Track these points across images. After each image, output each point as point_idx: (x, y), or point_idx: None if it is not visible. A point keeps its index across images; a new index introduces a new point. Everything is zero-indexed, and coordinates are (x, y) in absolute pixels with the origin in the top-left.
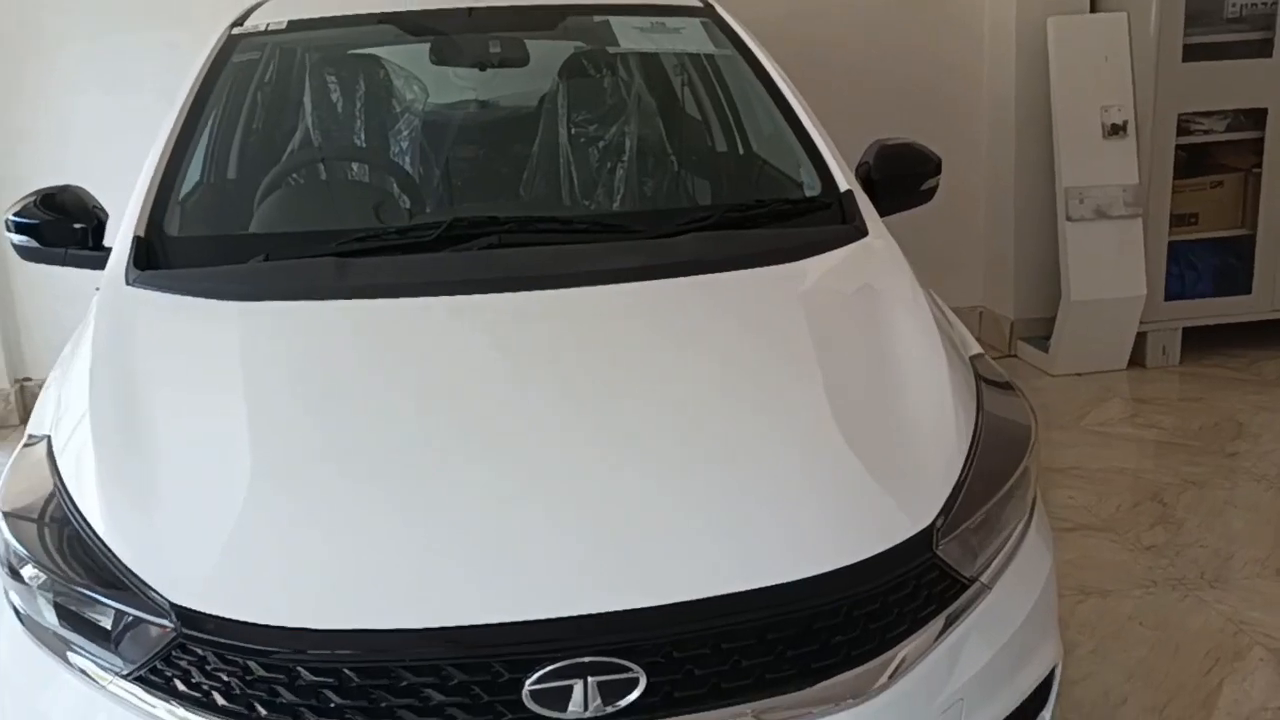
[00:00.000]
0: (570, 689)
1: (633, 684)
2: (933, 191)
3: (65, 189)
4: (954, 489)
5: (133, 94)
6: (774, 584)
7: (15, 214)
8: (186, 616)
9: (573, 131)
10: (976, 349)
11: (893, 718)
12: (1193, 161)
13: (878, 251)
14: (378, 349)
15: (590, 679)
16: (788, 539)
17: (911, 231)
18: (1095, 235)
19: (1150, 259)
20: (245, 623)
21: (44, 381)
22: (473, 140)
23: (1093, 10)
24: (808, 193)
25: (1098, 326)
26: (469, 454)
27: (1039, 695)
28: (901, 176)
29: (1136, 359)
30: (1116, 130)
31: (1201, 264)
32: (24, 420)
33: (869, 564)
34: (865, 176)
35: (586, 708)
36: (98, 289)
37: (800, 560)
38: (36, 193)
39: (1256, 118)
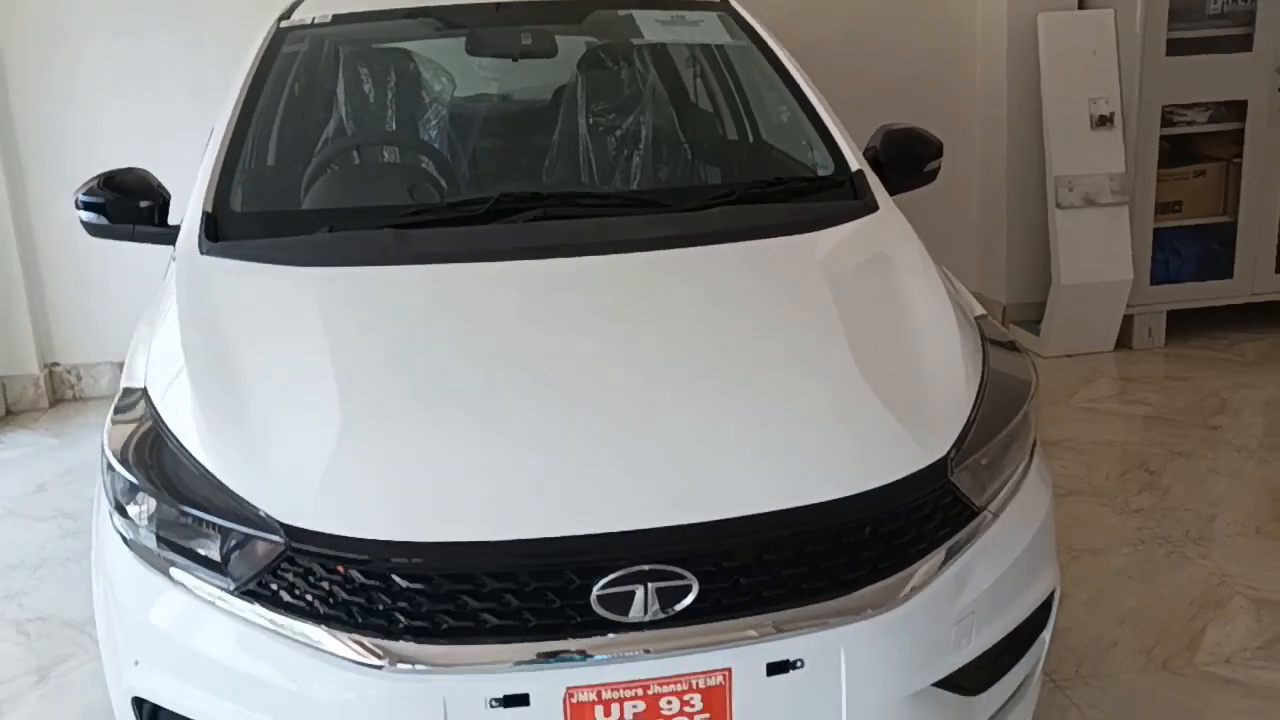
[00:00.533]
0: (632, 595)
1: (686, 590)
2: (935, 173)
3: (130, 170)
4: (964, 426)
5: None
6: (810, 503)
7: (84, 194)
8: (295, 533)
9: (592, 120)
10: (981, 311)
11: (913, 626)
12: (1177, 151)
13: (889, 224)
14: (443, 304)
15: (650, 585)
16: (821, 464)
17: (909, 218)
18: (1084, 222)
19: (1136, 245)
20: (346, 537)
21: (70, 366)
22: (502, 129)
23: (1081, 7)
24: (821, 172)
25: (1086, 309)
26: (537, 390)
27: (1040, 615)
28: (906, 158)
29: (1124, 341)
30: (1104, 121)
31: (1185, 250)
32: (54, 403)
33: (892, 487)
34: (873, 159)
35: (646, 612)
36: (173, 259)
37: (833, 483)
38: (102, 174)
39: (1238, 109)
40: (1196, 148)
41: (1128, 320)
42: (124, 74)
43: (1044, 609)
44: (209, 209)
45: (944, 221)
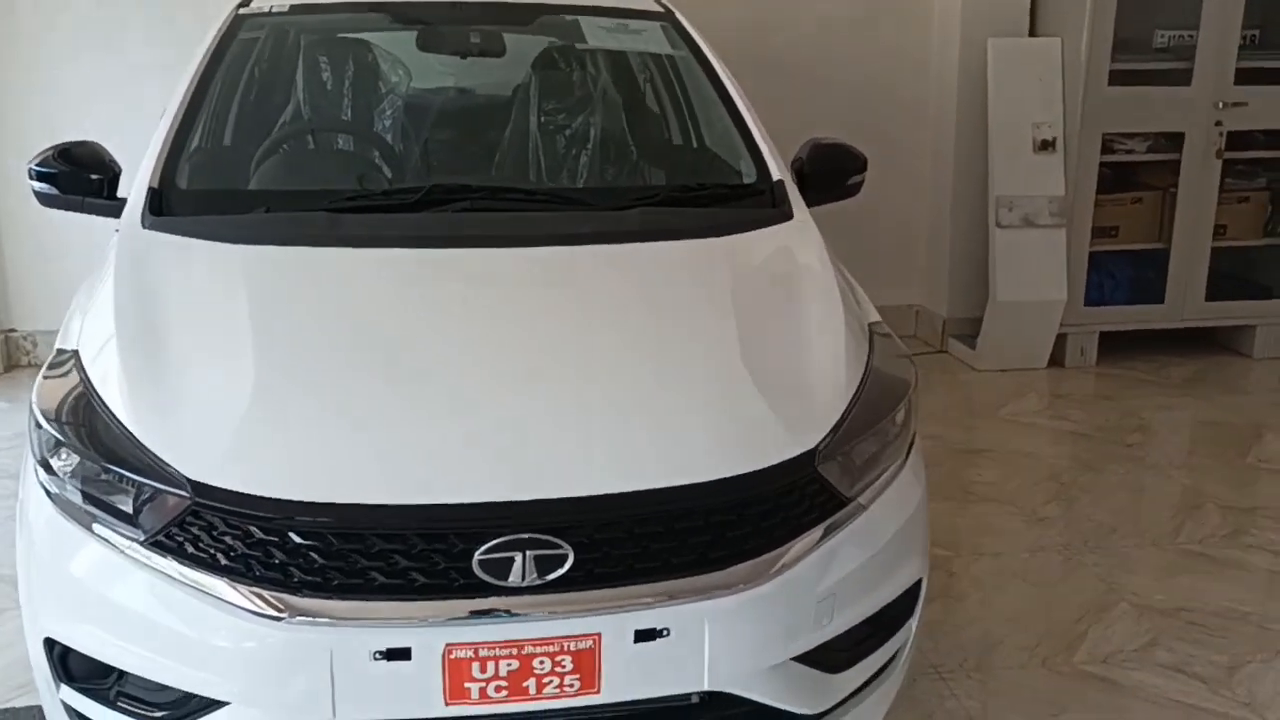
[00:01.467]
0: (511, 561)
1: (562, 559)
2: (858, 186)
3: (83, 144)
4: (838, 421)
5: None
6: (680, 484)
7: (38, 164)
8: (199, 488)
9: (542, 120)
10: (876, 317)
11: (775, 604)
12: (1116, 178)
13: (799, 231)
14: (359, 286)
15: (528, 553)
16: (694, 448)
17: (855, 235)
18: (1022, 242)
19: (1072, 266)
20: (246, 494)
21: (26, 333)
22: (450, 123)
23: (1031, 34)
24: (745, 180)
25: (1021, 327)
26: (437, 368)
27: (906, 603)
28: (830, 171)
29: (1056, 359)
30: (1046, 146)
31: (1119, 274)
32: (8, 368)
33: (760, 474)
34: (799, 169)
35: (524, 577)
36: (117, 230)
37: (703, 466)
38: (56, 146)
39: (1175, 141)
40: (1135, 175)
41: (1061, 339)
42: (89, 44)
43: (910, 598)
44: (155, 184)
45: (891, 238)
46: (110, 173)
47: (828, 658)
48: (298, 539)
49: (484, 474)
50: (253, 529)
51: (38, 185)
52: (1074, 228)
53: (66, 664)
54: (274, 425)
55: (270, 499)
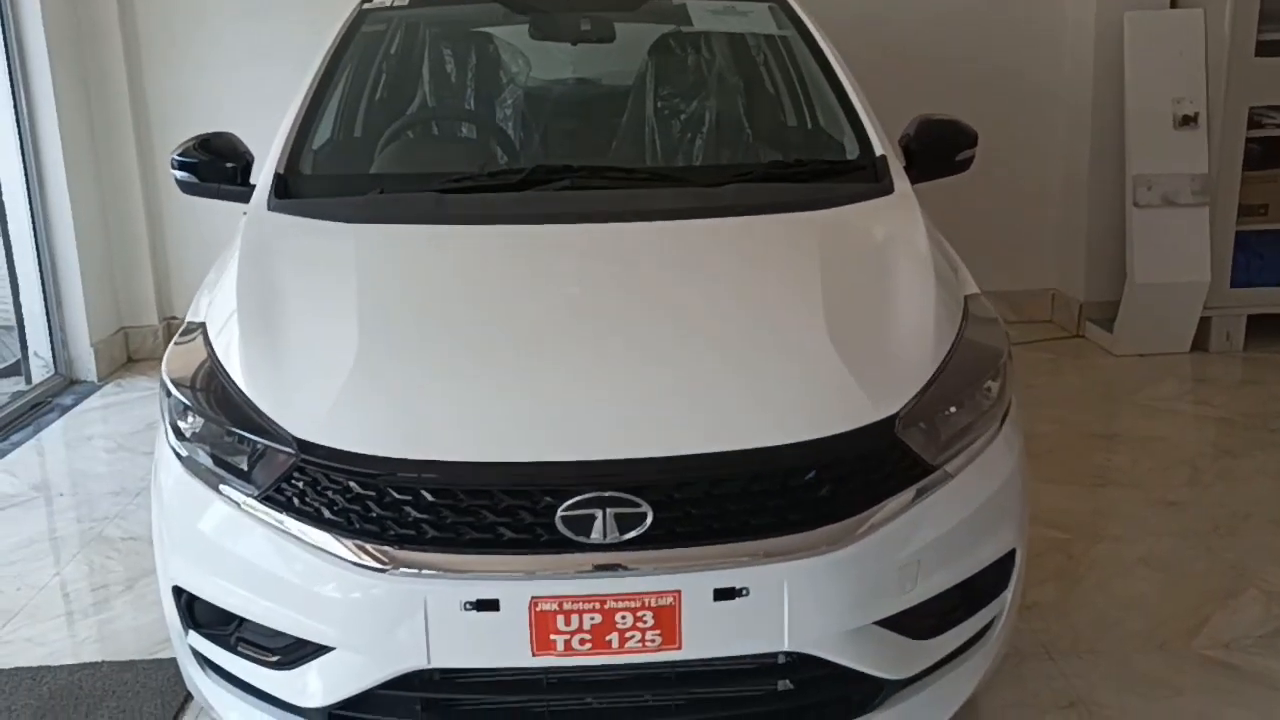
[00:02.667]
0: (593, 518)
1: (641, 518)
2: (969, 162)
3: (220, 135)
4: (921, 389)
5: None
6: (757, 447)
7: (179, 154)
8: (304, 445)
9: (659, 105)
10: (974, 289)
11: (856, 567)
12: (1264, 154)
13: (899, 204)
14: (463, 257)
15: (608, 510)
16: (774, 413)
17: (987, 220)
18: (1161, 222)
19: (1216, 246)
20: (347, 451)
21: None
22: (568, 110)
23: (1171, 6)
24: (848, 156)
25: (1161, 309)
26: (531, 336)
27: (998, 574)
28: (938, 147)
29: (1200, 343)
30: (1188, 121)
31: (1269, 254)
32: None
33: (838, 438)
34: (906, 146)
35: (605, 535)
36: (244, 214)
37: (782, 430)
38: (196, 137)
39: None
40: None
41: (1205, 323)
42: (247, 51)
43: (1003, 569)
44: (281, 170)
45: (1026, 220)
46: (244, 161)
47: (913, 624)
48: (394, 494)
49: (568, 434)
50: (352, 484)
51: (179, 174)
52: (1219, 206)
53: (193, 612)
54: (374, 387)
55: (368, 455)
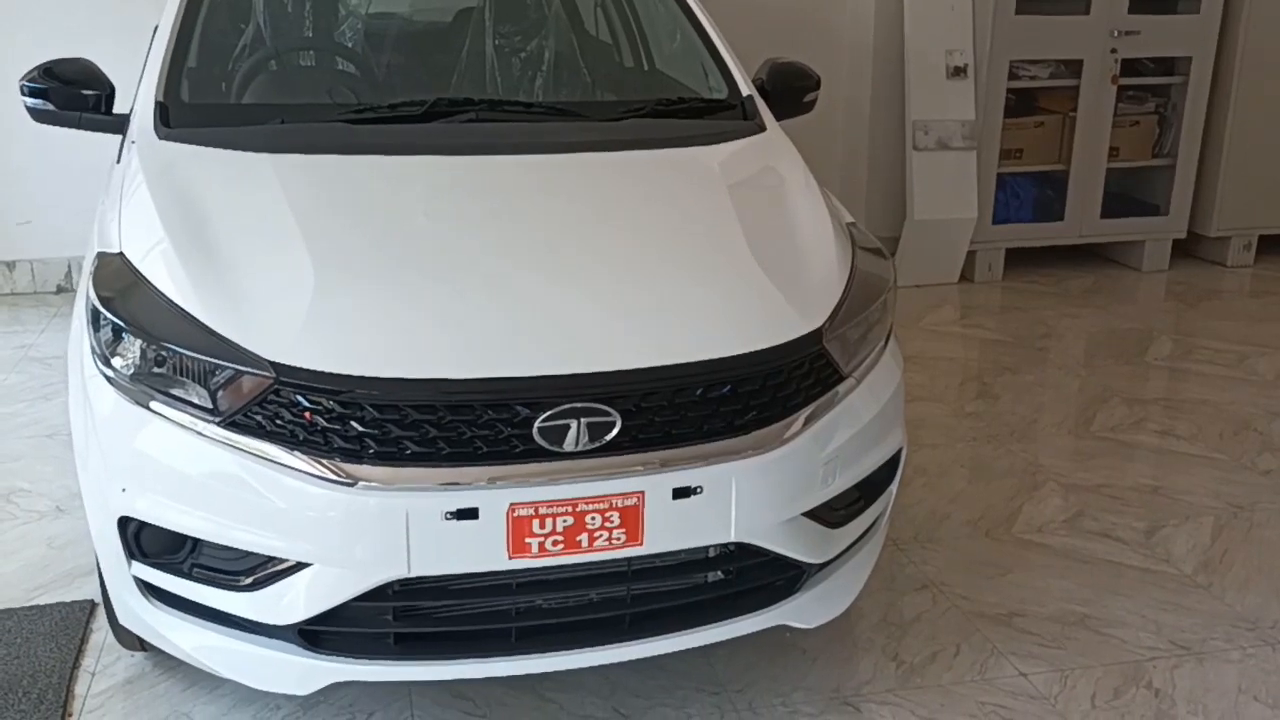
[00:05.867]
0: (567, 428)
1: (611, 426)
2: (813, 103)
3: (75, 60)
4: (836, 305)
5: None
6: (715, 357)
7: (29, 80)
8: (282, 369)
9: (497, 42)
10: (850, 218)
11: (789, 465)
12: (1020, 103)
13: (776, 141)
14: (391, 185)
15: (582, 420)
16: (724, 327)
17: None
18: (937, 164)
19: (981, 187)
20: (328, 372)
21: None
22: (410, 45)
23: None
24: (716, 96)
25: (935, 244)
26: (489, 255)
27: (889, 469)
28: (789, 89)
29: (967, 274)
30: (958, 72)
31: (1024, 193)
32: None
33: (780, 348)
34: (760, 88)
35: (578, 443)
36: (133, 142)
37: (733, 342)
38: (45, 63)
39: (1075, 68)
40: (1038, 101)
41: (971, 256)
42: None
43: (892, 465)
44: (160, 98)
45: (809, 153)
46: (105, 89)
47: (830, 515)
48: (375, 411)
49: (542, 351)
50: (333, 404)
51: (31, 101)
52: (983, 150)
53: (140, 543)
54: (342, 310)
55: (348, 375)
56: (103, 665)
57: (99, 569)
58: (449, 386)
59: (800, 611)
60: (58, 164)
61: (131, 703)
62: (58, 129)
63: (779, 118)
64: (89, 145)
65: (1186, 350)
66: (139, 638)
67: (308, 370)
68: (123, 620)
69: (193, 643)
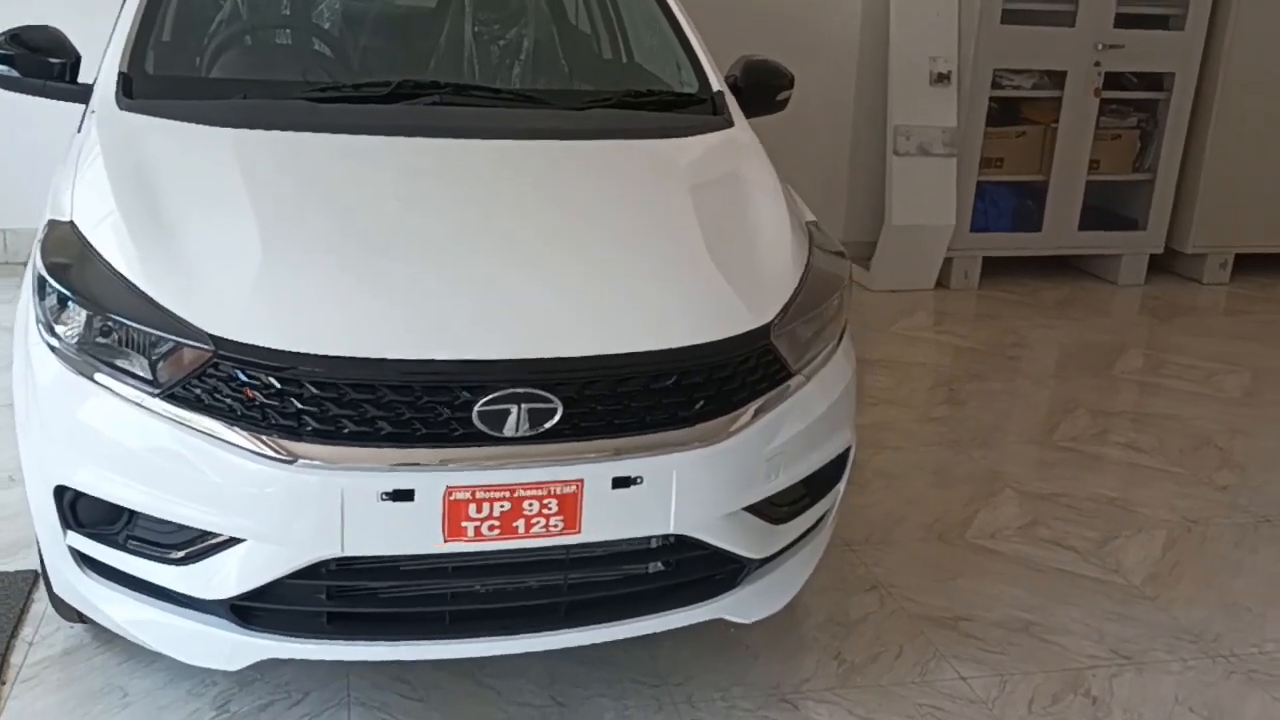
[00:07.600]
0: (507, 413)
1: (552, 413)
2: (785, 102)
3: (42, 28)
4: (787, 302)
5: None
6: (659, 349)
7: None
8: (222, 343)
9: (476, 29)
10: (811, 217)
11: (732, 459)
12: (1003, 112)
13: (742, 137)
14: (349, 165)
15: (522, 406)
16: (670, 318)
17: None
18: (917, 169)
19: (960, 194)
20: (267, 348)
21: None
22: (388, 28)
23: None
24: (687, 90)
25: (912, 250)
26: (436, 240)
27: (836, 468)
28: (761, 86)
29: (943, 281)
30: (942, 78)
31: (1003, 202)
32: None
33: (725, 342)
34: (733, 84)
35: (518, 429)
36: (93, 111)
37: (678, 333)
38: (12, 29)
39: (1058, 79)
40: (1020, 110)
41: (948, 262)
42: None
43: (839, 463)
44: (125, 70)
45: (790, 160)
46: (71, 57)
47: (772, 511)
48: (314, 389)
49: (486, 334)
50: (272, 380)
51: None
52: (964, 158)
53: (75, 513)
54: (286, 286)
55: (287, 351)
56: (41, 636)
57: (37, 540)
58: (389, 366)
59: (739, 606)
60: (31, 133)
61: (66, 674)
62: (32, 98)
63: (750, 115)
64: (64, 115)
65: (1156, 365)
66: (77, 610)
67: (247, 345)
68: (59, 591)
69: (125, 615)
